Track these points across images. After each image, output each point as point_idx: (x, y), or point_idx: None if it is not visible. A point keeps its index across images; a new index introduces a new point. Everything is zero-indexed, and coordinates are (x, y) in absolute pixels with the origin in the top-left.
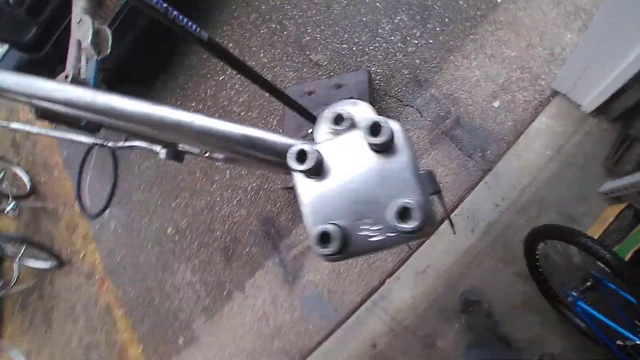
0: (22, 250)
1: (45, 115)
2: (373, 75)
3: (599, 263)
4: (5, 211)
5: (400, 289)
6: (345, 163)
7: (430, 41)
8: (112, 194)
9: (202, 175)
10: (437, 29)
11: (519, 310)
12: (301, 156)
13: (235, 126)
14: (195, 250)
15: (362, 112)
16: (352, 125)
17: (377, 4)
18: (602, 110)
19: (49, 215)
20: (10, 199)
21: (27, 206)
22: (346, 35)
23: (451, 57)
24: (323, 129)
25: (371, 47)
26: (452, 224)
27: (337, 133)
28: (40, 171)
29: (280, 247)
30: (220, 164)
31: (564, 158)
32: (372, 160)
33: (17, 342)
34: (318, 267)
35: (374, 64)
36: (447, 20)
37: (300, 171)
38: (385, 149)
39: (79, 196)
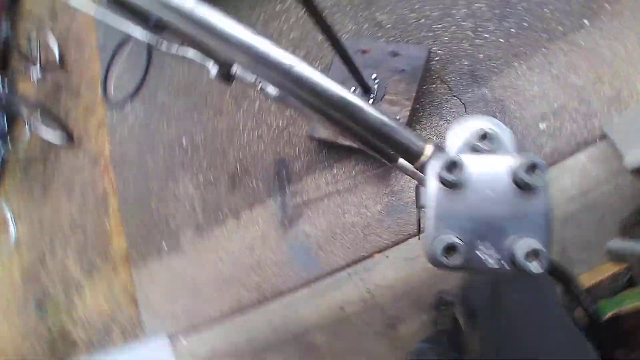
0: (37, 116)
1: (117, 2)
2: (432, 55)
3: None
4: (30, 76)
5: (385, 268)
6: (484, 183)
7: (501, 40)
8: (137, 89)
9: (232, 99)
10: (512, 30)
11: None
12: (451, 166)
13: (365, 105)
14: (204, 168)
15: (506, 137)
16: (496, 147)
17: None
18: None
19: (70, 92)
20: (37, 65)
21: (51, 77)
22: (418, 5)
23: (515, 64)
24: (458, 138)
25: (439, 26)
26: (419, 230)
27: (475, 149)
28: (71, 47)
29: (286, 190)
30: (255, 93)
31: (586, 202)
32: (512, 191)
33: (10, 201)
34: (316, 222)
35: (436, 44)
36: (525, 24)
37: (445, 180)
38: (528, 188)
39: (104, 82)
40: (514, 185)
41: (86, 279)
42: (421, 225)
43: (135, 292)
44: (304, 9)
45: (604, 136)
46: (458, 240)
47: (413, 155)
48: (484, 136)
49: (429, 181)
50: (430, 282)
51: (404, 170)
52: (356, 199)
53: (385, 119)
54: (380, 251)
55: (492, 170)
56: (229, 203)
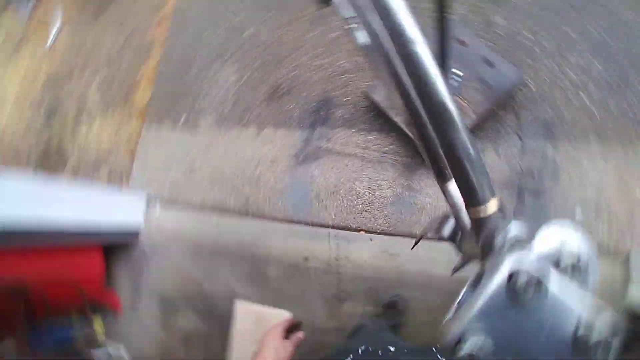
0: None
1: None
2: (523, 84)
3: None
4: None
5: (363, 248)
6: (546, 322)
7: (595, 112)
8: None
9: (310, 17)
10: (612, 108)
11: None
12: (533, 284)
13: (461, 124)
14: (254, 67)
15: (593, 271)
16: (581, 280)
17: (595, 35)
18: None
19: None
20: None
21: None
22: (537, 28)
23: (593, 141)
24: (548, 243)
25: (546, 61)
26: (415, 243)
27: (560, 269)
28: None
29: (317, 129)
30: (337, 24)
31: None
32: (566, 348)
33: (65, 6)
34: (327, 172)
35: (532, 76)
36: (627, 109)
37: (516, 294)
38: (586, 356)
39: None
40: (571, 343)
41: (100, 112)
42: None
43: (138, 146)
44: None
45: (627, 258)
46: (478, 341)
47: (472, 199)
48: (577, 264)
49: (497, 270)
50: (394, 284)
51: (447, 196)
52: (374, 174)
53: (472, 150)
54: (368, 232)
55: (561, 312)
56: (260, 112)
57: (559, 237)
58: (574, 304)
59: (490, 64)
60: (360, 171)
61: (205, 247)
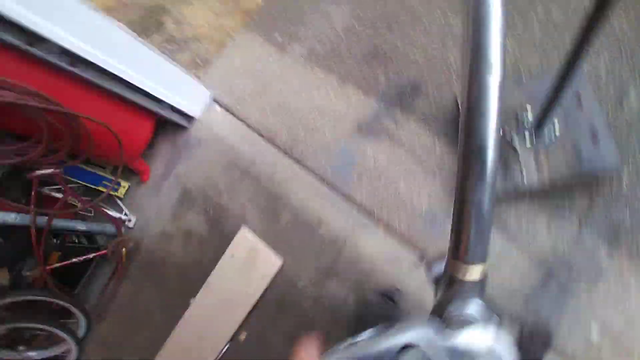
0: None
1: None
2: (616, 179)
3: None
4: None
5: (373, 241)
6: None
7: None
8: None
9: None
10: None
11: None
12: None
13: (489, 185)
14: (365, 21)
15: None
16: None
17: None
18: None
19: None
20: None
21: None
22: None
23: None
24: (466, 338)
25: None
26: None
27: None
28: None
29: (392, 110)
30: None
31: None
32: None
33: None
34: (380, 157)
35: (629, 171)
36: None
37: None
38: None
39: None
40: None
41: None
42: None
43: (228, 44)
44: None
45: None
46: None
47: (456, 252)
48: None
49: (401, 332)
50: (381, 286)
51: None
52: (421, 181)
53: (485, 207)
54: (386, 227)
55: None
56: (349, 67)
57: (493, 343)
58: None
59: (594, 138)
60: (410, 171)
61: (240, 165)
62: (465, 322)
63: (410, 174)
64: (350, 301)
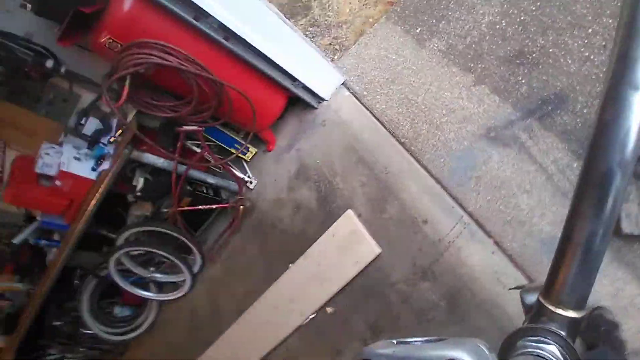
0: None
1: None
2: None
3: None
4: None
5: (479, 254)
6: None
7: None
8: None
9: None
10: None
11: None
12: None
13: None
14: (516, 20)
15: None
16: None
17: None
18: None
19: None
20: None
21: None
22: None
23: None
24: None
25: None
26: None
27: None
28: None
29: (528, 120)
30: None
31: None
32: None
33: None
34: (505, 167)
35: None
36: None
37: None
38: None
39: None
40: None
41: None
42: None
43: (367, 31)
44: None
45: None
46: None
47: (550, 288)
48: None
49: (455, 348)
50: (474, 302)
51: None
52: (548, 201)
53: (595, 248)
54: (497, 242)
55: None
56: (489, 67)
57: None
58: None
59: None
60: (537, 188)
61: (358, 151)
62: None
63: (537, 191)
64: (440, 308)
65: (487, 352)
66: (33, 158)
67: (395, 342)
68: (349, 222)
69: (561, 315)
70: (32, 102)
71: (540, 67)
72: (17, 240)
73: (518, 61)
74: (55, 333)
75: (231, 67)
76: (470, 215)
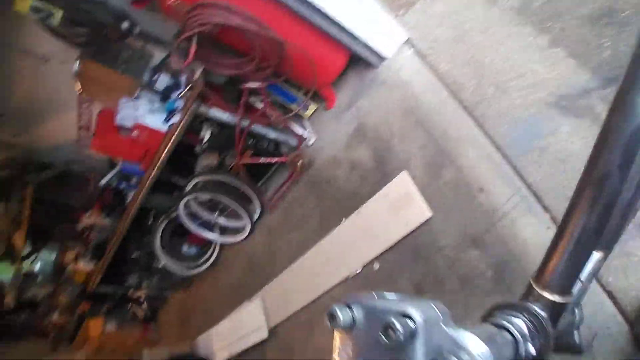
0: None
1: None
2: None
3: None
4: None
5: (533, 228)
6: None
7: None
8: None
9: None
10: None
11: None
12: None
13: None
14: None
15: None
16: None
17: None
18: None
19: None
20: None
21: None
22: None
23: None
24: None
25: None
26: None
27: None
28: None
29: (608, 90)
30: None
31: None
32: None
33: None
34: (575, 139)
35: None
36: None
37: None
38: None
39: None
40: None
41: None
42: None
43: None
44: None
45: None
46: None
47: (540, 271)
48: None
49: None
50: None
51: None
52: None
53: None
54: (554, 218)
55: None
56: (567, 27)
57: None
58: None
59: None
60: None
61: (417, 112)
62: (490, 328)
63: None
64: (487, 277)
65: (438, 314)
66: (114, 111)
67: (375, 295)
68: (403, 184)
69: (545, 297)
70: (112, 61)
71: (630, 28)
72: (102, 182)
73: (604, 21)
74: (134, 263)
75: (292, 25)
76: (529, 187)
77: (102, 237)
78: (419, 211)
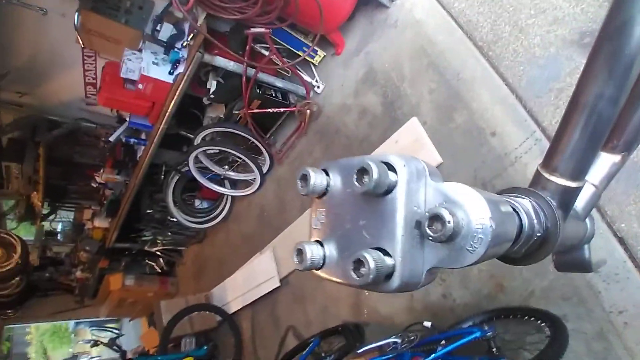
0: None
1: None
2: None
3: None
4: None
5: None
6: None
7: None
8: None
9: None
10: None
11: None
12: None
13: None
14: None
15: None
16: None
17: None
18: None
19: None
20: None
21: None
22: None
23: None
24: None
25: None
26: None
27: None
28: None
29: None
30: None
31: None
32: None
33: None
34: None
35: None
36: None
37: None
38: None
39: None
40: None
41: None
42: None
43: None
44: None
45: None
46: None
47: (549, 155)
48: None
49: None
50: None
51: None
52: None
53: (608, 101)
54: None
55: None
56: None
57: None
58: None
59: None
60: None
61: (429, 54)
62: (492, 195)
63: None
64: None
65: (424, 167)
66: (119, 64)
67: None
68: (413, 130)
69: (554, 182)
70: (113, 12)
71: None
72: (112, 138)
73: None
74: (148, 219)
75: None
76: (544, 131)
77: (116, 194)
78: (429, 157)
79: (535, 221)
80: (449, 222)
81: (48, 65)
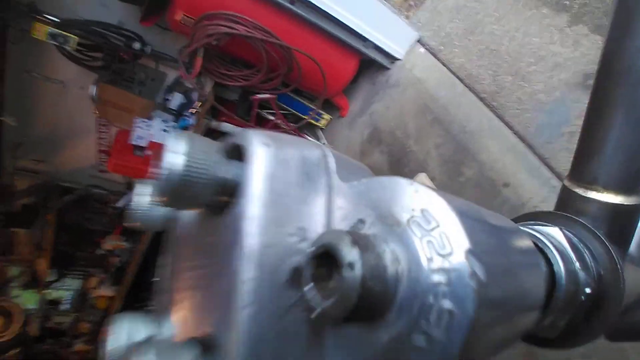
0: None
1: None
2: None
3: None
4: None
5: None
6: None
7: None
8: None
9: None
10: None
11: None
12: None
13: None
14: None
15: None
16: None
17: None
18: None
19: None
20: None
21: None
22: None
23: None
24: None
25: None
26: None
27: None
28: None
29: None
30: None
31: None
32: None
33: None
34: None
35: None
36: None
37: None
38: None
39: None
40: None
41: None
42: None
43: None
44: None
45: None
46: None
47: (576, 164)
48: None
49: None
50: None
51: None
52: None
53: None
54: None
55: None
56: (590, 2)
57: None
58: None
59: None
60: None
61: (433, 110)
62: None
63: None
64: None
65: (321, 156)
66: (129, 132)
67: None
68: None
69: (596, 200)
70: (128, 83)
71: None
72: (119, 203)
73: None
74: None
75: (298, 31)
76: (559, 177)
77: (123, 261)
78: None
79: (577, 265)
80: (356, 266)
81: (64, 134)
